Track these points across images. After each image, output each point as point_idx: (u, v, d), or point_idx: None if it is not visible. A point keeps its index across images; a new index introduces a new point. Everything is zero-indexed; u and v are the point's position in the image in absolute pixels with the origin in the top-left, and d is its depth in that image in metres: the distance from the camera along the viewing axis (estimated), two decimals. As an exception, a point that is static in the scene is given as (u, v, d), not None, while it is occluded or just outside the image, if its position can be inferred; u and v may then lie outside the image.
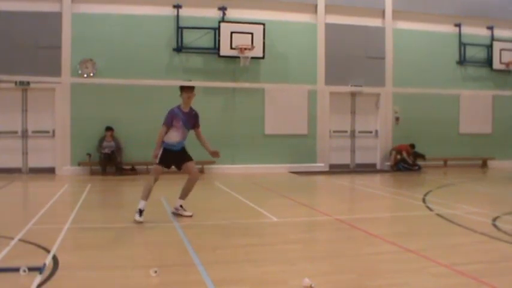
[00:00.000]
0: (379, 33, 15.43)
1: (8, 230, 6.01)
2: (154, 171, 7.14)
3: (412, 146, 15.05)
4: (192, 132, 7.53)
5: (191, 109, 7.34)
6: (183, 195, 7.37)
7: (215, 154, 7.48)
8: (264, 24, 13.97)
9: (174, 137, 7.19)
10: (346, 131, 15.67)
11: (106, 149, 13.05)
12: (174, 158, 7.25)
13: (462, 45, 16.05)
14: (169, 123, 7.15)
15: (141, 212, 6.73)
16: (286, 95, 14.63)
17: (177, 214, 7.31)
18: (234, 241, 5.82)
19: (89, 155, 13.23)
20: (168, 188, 11.13)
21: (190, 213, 7.29)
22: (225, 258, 5.04)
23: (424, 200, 8.94)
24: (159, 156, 7.12)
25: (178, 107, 7.28)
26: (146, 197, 6.86)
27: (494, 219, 6.93)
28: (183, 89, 7.23)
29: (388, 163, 15.16)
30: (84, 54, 13.23)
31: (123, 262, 4.83)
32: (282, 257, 5.06)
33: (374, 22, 15.43)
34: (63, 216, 7.13)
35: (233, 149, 14.21)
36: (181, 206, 7.36)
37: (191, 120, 7.32)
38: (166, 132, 7.17)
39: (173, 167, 7.37)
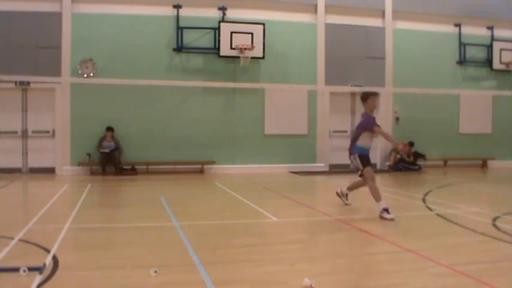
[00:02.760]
0: (379, 33, 15.43)
1: (8, 230, 6.01)
2: (369, 173, 7.59)
3: (411, 143, 15.02)
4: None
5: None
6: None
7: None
8: (264, 24, 13.98)
9: (369, 141, 7.75)
10: (346, 131, 15.66)
11: (106, 149, 13.05)
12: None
13: (462, 45, 16.05)
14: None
15: (386, 210, 7.08)
16: (286, 95, 14.63)
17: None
18: (234, 241, 5.82)
19: (89, 155, 13.22)
20: (168, 188, 11.15)
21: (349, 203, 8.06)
22: (225, 258, 5.04)
23: (424, 200, 8.94)
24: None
25: (367, 113, 7.64)
26: (379, 197, 7.30)
27: (494, 219, 6.92)
28: (369, 96, 7.59)
29: (388, 163, 15.15)
30: (84, 54, 13.23)
31: (123, 262, 4.83)
32: (282, 257, 5.06)
33: (374, 22, 15.43)
34: (63, 216, 7.12)
35: (233, 149, 14.22)
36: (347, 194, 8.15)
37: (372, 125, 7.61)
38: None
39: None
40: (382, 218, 7.06)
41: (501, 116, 16.40)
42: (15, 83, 12.94)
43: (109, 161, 13.12)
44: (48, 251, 5.03)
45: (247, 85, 14.78)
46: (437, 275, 4.42)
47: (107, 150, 13.03)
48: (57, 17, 13.13)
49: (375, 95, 7.80)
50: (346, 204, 8.18)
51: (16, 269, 4.25)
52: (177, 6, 13.77)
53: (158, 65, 13.66)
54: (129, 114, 13.56)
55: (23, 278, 4.14)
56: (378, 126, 7.59)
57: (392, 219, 6.96)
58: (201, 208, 8.23)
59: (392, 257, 5.10)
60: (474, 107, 16.23)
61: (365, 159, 7.71)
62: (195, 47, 13.97)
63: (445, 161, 15.98)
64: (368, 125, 7.57)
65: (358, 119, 15.46)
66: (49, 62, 12.91)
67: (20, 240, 5.55)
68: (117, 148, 13.19)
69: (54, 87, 13.26)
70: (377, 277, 4.43)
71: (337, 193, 8.41)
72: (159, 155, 13.58)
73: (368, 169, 7.61)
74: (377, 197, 7.32)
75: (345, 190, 8.30)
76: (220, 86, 14.36)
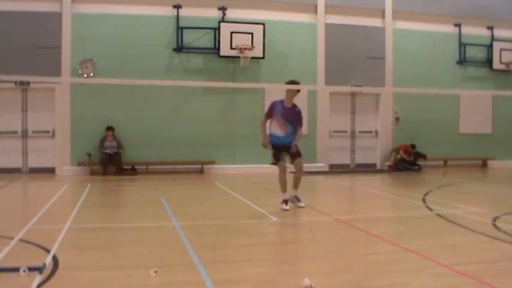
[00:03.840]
0: (379, 33, 15.42)
1: (8, 230, 6.01)
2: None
3: (413, 146, 15.03)
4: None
5: (294, 105, 7.88)
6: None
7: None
8: (264, 24, 13.97)
9: (275, 129, 7.89)
10: (346, 131, 15.67)
11: (108, 149, 13.05)
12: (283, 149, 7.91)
13: (462, 45, 16.05)
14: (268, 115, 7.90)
15: (285, 201, 7.68)
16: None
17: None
18: (234, 241, 5.82)
19: (89, 155, 13.22)
20: (168, 188, 11.15)
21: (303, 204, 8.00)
22: (225, 258, 5.04)
23: (424, 200, 8.93)
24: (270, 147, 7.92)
25: (282, 100, 7.90)
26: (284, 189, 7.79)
27: (494, 219, 6.92)
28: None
29: (388, 163, 15.16)
30: (84, 54, 13.23)
31: (123, 262, 4.83)
32: (282, 257, 5.06)
33: (374, 22, 15.42)
34: (63, 216, 7.12)
35: (233, 149, 14.22)
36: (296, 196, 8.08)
37: (291, 114, 7.81)
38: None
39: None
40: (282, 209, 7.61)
41: (501, 116, 16.39)
42: (15, 83, 12.93)
43: (111, 161, 13.12)
44: (48, 251, 5.02)
45: (247, 85, 14.80)
46: (437, 275, 4.42)
47: (109, 151, 13.04)
48: (57, 17, 13.13)
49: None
50: (302, 207, 7.93)
51: (16, 269, 4.25)
52: (177, 6, 13.77)
53: (158, 65, 13.66)
54: (129, 114, 13.56)
55: (23, 278, 4.14)
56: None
57: (286, 210, 7.56)
58: (201, 208, 8.22)
59: (392, 257, 5.10)
60: (474, 107, 16.23)
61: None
62: (195, 47, 13.97)
63: (445, 161, 15.98)
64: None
65: (358, 119, 15.65)
66: (49, 62, 12.91)
67: (20, 240, 5.55)
68: (120, 147, 13.20)
69: (54, 87, 13.27)
70: (377, 277, 4.43)
71: (287, 201, 7.90)
72: (159, 155, 13.58)
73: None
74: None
75: (293, 194, 8.05)
76: (220, 86, 14.36)
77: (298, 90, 7.89)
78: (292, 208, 7.88)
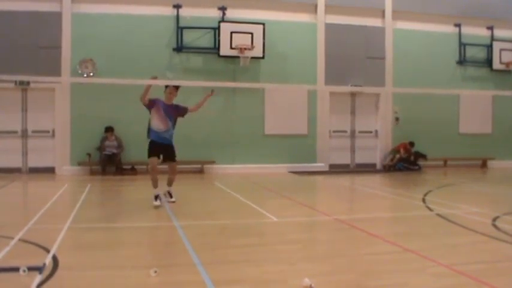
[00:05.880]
0: (379, 33, 15.43)
1: (8, 229, 6.01)
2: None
3: (411, 143, 15.04)
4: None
5: (173, 104, 8.41)
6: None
7: (209, 94, 8.57)
8: (263, 24, 13.97)
9: (156, 123, 8.26)
10: (346, 131, 15.67)
11: (108, 149, 13.04)
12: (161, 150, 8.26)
13: (462, 45, 16.05)
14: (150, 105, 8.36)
15: (156, 197, 8.04)
16: (286, 95, 14.63)
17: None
18: (234, 241, 5.82)
19: (89, 154, 13.22)
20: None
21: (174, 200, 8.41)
22: (225, 258, 5.03)
23: (424, 200, 8.94)
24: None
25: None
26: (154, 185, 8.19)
27: (494, 219, 6.92)
28: (166, 86, 8.46)
29: (384, 163, 15.18)
30: (84, 54, 13.23)
31: (123, 262, 4.83)
32: (282, 257, 5.06)
33: (374, 22, 15.43)
34: (63, 216, 7.12)
35: (233, 149, 14.22)
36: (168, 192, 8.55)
37: (171, 111, 8.30)
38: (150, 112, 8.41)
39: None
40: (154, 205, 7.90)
41: (501, 116, 16.40)
42: (15, 82, 12.93)
43: (110, 161, 13.12)
44: (48, 251, 5.02)
45: (247, 85, 14.79)
46: (437, 275, 4.42)
47: (108, 151, 13.04)
48: (57, 16, 13.13)
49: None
50: (173, 202, 8.39)
51: (16, 269, 4.25)
52: (177, 6, 13.77)
53: (158, 65, 13.63)
54: (129, 114, 13.51)
55: (23, 278, 4.14)
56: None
57: (156, 206, 7.84)
58: (201, 208, 8.22)
59: (392, 257, 5.10)
60: (474, 107, 16.24)
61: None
62: (195, 47, 13.97)
63: (445, 161, 15.99)
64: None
65: (358, 119, 15.65)
66: (49, 61, 12.91)
67: (19, 240, 5.55)
68: (119, 147, 13.19)
69: (54, 86, 13.27)
70: (377, 277, 4.43)
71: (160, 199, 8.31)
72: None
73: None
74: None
75: (165, 193, 8.59)
76: (220, 86, 14.34)
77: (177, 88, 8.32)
78: (292, 208, 7.87)
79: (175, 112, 8.37)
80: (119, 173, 13.11)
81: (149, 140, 8.30)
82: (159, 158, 8.22)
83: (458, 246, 5.55)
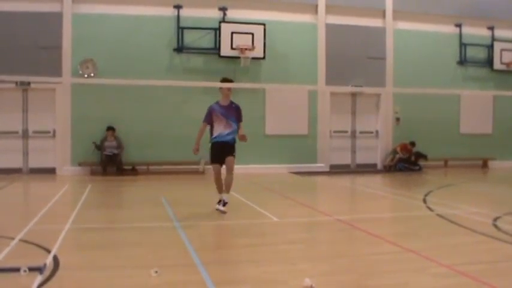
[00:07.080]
0: (379, 33, 15.42)
1: (9, 230, 6.01)
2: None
3: (412, 143, 15.03)
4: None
5: (231, 102, 8.14)
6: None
7: (243, 138, 8.14)
8: (264, 25, 13.97)
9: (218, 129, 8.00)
10: (346, 131, 15.67)
11: (108, 150, 13.05)
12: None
13: (463, 45, 16.04)
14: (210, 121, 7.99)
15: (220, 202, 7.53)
16: (286, 95, 14.62)
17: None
18: (234, 241, 5.82)
19: (90, 155, 13.18)
20: (168, 188, 11.15)
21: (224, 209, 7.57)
22: (225, 258, 5.04)
23: (424, 200, 8.93)
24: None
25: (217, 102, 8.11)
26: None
27: (495, 220, 6.92)
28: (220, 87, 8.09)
29: (384, 163, 15.18)
30: (84, 55, 13.23)
31: (123, 262, 4.84)
32: (283, 257, 5.06)
33: (374, 22, 15.42)
34: (64, 216, 7.12)
35: (233, 149, 14.19)
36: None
37: (233, 113, 8.08)
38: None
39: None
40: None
41: (502, 116, 16.39)
42: (16, 83, 12.94)
43: (111, 162, 13.12)
44: (48, 251, 5.03)
45: (247, 85, 14.78)
46: (437, 275, 4.42)
47: (109, 152, 13.04)
48: (57, 17, 13.13)
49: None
50: (222, 211, 7.48)
51: (16, 269, 4.25)
52: (178, 7, 13.77)
53: (159, 65, 13.65)
54: (129, 115, 13.56)
55: (24, 278, 4.15)
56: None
57: (223, 212, 7.36)
58: (201, 208, 8.22)
59: (392, 257, 5.10)
60: (475, 107, 16.22)
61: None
62: (196, 47, 13.97)
63: (446, 161, 15.98)
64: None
65: (358, 119, 15.65)
66: (49, 62, 12.91)
67: (20, 240, 5.55)
68: (120, 147, 13.20)
69: (55, 87, 13.27)
70: (377, 277, 4.43)
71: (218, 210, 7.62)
72: (160, 155, 13.57)
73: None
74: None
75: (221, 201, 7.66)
76: (220, 86, 14.31)
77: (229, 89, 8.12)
78: (293, 208, 7.87)
79: (237, 115, 8.22)
80: (120, 173, 13.11)
81: (211, 144, 8.03)
82: (221, 165, 7.87)
83: (459, 246, 5.54)
